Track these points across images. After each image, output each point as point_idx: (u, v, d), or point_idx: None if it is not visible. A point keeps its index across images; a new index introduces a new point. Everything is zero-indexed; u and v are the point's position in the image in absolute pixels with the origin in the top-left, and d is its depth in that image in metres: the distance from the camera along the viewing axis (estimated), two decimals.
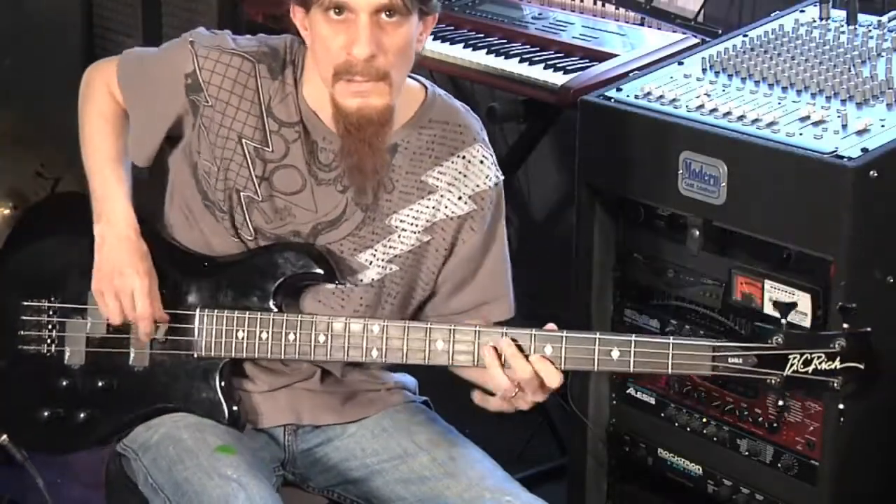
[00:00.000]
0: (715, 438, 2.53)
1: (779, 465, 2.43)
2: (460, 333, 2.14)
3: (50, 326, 2.30)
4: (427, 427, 2.32)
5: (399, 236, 2.26)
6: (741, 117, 2.41)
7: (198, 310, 2.24)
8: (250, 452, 2.21)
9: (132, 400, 2.28)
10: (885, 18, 2.67)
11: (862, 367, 1.97)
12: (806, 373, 1.99)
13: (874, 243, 2.27)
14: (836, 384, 1.98)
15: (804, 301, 2.32)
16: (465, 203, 2.28)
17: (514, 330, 2.11)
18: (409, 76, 2.26)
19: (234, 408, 2.25)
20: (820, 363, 1.98)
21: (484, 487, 2.18)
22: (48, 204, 2.31)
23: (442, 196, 2.27)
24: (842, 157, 2.23)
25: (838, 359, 1.98)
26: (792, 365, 1.99)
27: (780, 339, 2.00)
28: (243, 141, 2.23)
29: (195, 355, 2.24)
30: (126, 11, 4.27)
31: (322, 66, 2.15)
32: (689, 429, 2.57)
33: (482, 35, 3.30)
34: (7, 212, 4.00)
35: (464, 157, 2.28)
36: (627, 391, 2.68)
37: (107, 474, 2.33)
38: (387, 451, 2.29)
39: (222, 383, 2.25)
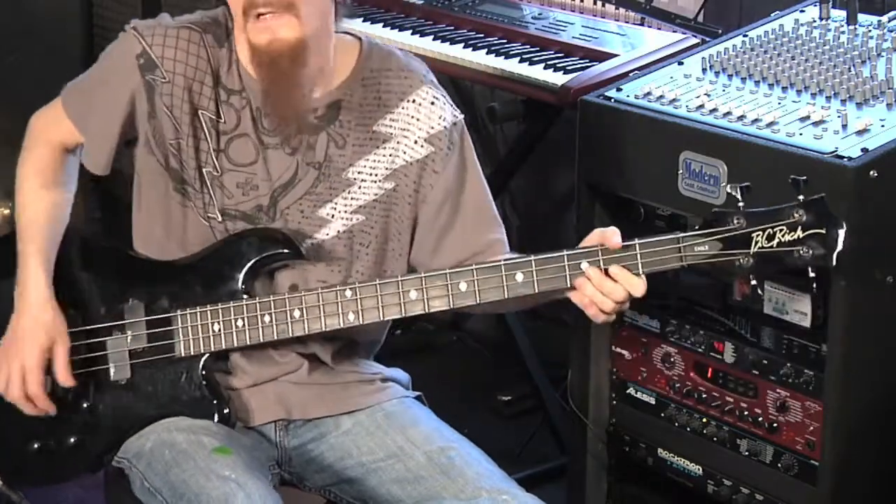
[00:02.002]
0: (715, 438, 2.53)
1: (779, 465, 2.43)
2: (431, 279, 2.15)
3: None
4: (422, 423, 2.32)
5: (360, 187, 2.28)
6: (741, 117, 2.41)
7: (178, 311, 2.24)
8: (246, 452, 2.21)
9: (120, 415, 2.28)
10: (885, 18, 2.67)
11: (823, 231, 2.02)
12: (771, 247, 2.04)
13: (874, 243, 2.27)
14: (802, 252, 2.02)
15: (804, 301, 2.32)
16: (422, 146, 2.29)
17: (482, 265, 2.13)
18: (346, 32, 2.29)
19: (223, 403, 2.25)
20: (783, 235, 2.03)
21: (481, 487, 2.18)
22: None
23: (398, 143, 2.28)
24: (842, 157, 2.23)
25: (799, 228, 2.03)
26: (756, 242, 2.04)
27: (740, 220, 2.05)
28: (200, 112, 2.25)
29: (176, 357, 2.25)
30: (126, 11, 4.26)
31: (234, 10, 2.17)
32: (689, 429, 2.57)
33: (482, 35, 3.30)
34: (7, 212, 4.00)
35: (413, 101, 2.29)
36: (627, 391, 2.68)
37: (105, 476, 2.33)
38: (382, 448, 2.29)
39: (206, 380, 2.25)
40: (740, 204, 2.07)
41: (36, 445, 2.31)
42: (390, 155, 2.29)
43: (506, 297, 2.14)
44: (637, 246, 2.09)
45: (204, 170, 2.26)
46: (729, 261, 2.06)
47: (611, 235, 2.11)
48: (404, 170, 2.29)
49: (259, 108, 2.25)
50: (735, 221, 2.05)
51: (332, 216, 2.28)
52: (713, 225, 2.06)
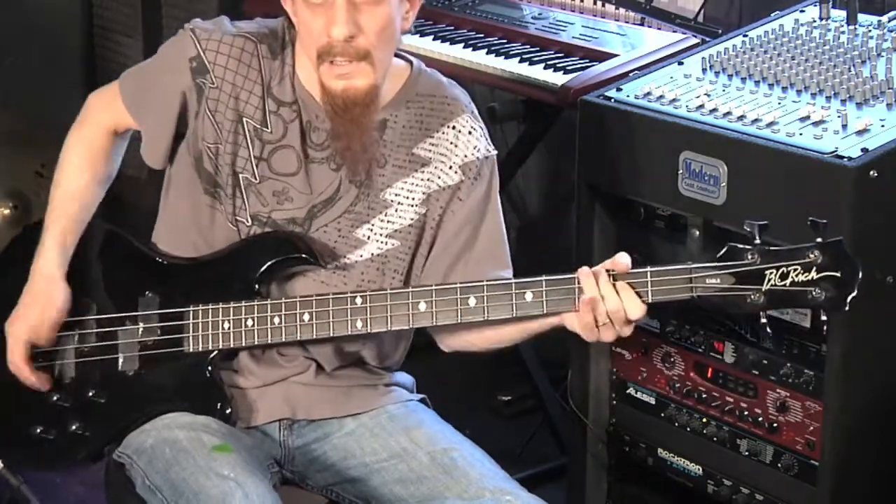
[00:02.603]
0: (715, 438, 2.53)
1: (779, 465, 2.43)
2: (441, 292, 2.15)
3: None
4: (426, 425, 2.32)
5: (396, 210, 2.29)
6: (741, 117, 2.41)
7: (191, 306, 2.25)
8: (246, 450, 2.21)
9: (124, 406, 2.29)
10: (885, 18, 2.67)
11: (838, 274, 2.00)
12: (784, 286, 2.01)
13: (874, 243, 2.27)
14: (815, 294, 2.00)
15: None
16: (455, 173, 2.30)
17: (492, 282, 2.14)
18: (399, 54, 2.31)
19: (226, 402, 2.26)
20: (797, 275, 2.01)
21: (483, 487, 2.18)
22: (30, 231, 2.36)
23: (435, 167, 2.30)
24: (842, 157, 2.23)
25: (814, 269, 2.00)
26: (770, 280, 2.02)
27: (755, 256, 2.02)
28: (244, 120, 2.26)
29: (185, 351, 2.25)
30: (126, 11, 4.27)
31: (307, 49, 2.20)
32: (689, 429, 2.57)
33: (482, 35, 3.30)
34: (7, 212, 4.00)
35: (453, 128, 2.31)
36: (627, 391, 2.68)
37: (106, 474, 2.33)
38: (385, 449, 2.29)
39: (212, 378, 2.25)
40: (757, 241, 2.04)
41: (38, 430, 2.32)
42: (427, 179, 2.30)
43: (514, 314, 2.13)
44: (648, 273, 2.08)
45: (241, 175, 2.27)
46: (740, 296, 2.03)
47: (620, 258, 2.11)
48: (437, 195, 2.30)
49: (310, 121, 2.26)
50: (749, 257, 2.03)
51: (368, 238, 2.28)
52: (727, 259, 2.04)
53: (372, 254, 2.28)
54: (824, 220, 2.04)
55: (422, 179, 2.29)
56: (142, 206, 2.34)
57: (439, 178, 2.30)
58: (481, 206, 2.33)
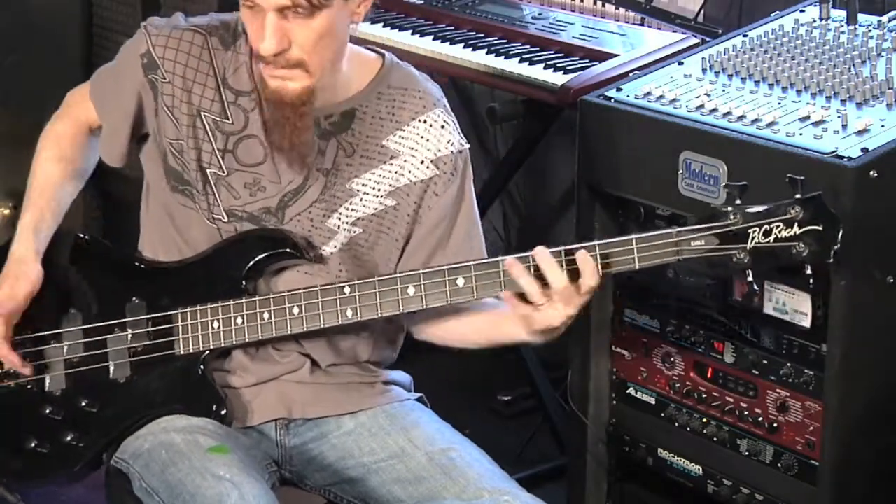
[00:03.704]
0: (715, 438, 2.53)
1: (779, 465, 2.43)
2: (429, 275, 2.16)
3: (26, 359, 2.30)
4: (424, 425, 2.32)
5: (361, 199, 2.29)
6: (741, 117, 2.41)
7: (179, 309, 2.25)
8: (243, 451, 2.21)
9: (118, 413, 2.29)
10: (885, 18, 2.67)
11: (820, 228, 2.03)
12: (768, 242, 2.04)
13: (874, 243, 2.27)
14: (799, 248, 2.03)
15: (804, 301, 2.32)
16: (427, 167, 2.30)
17: (482, 261, 2.15)
18: (368, 47, 2.32)
19: (221, 402, 2.26)
20: (780, 231, 2.04)
21: (482, 487, 2.18)
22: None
23: (405, 161, 2.29)
24: (842, 157, 2.23)
25: (796, 224, 2.03)
26: (753, 238, 2.05)
27: (737, 216, 2.05)
28: (202, 114, 2.27)
29: (176, 354, 2.25)
30: (126, 11, 4.27)
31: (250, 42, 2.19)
32: (689, 429, 2.57)
33: (482, 35, 3.30)
34: (7, 212, 4.00)
35: (424, 122, 2.30)
36: (627, 391, 2.68)
37: (107, 476, 2.33)
38: (384, 449, 2.29)
39: (205, 379, 2.25)
40: (737, 201, 2.07)
41: (32, 444, 2.32)
42: (395, 172, 2.29)
43: (503, 290, 2.13)
44: (634, 240, 2.10)
45: (208, 171, 2.27)
46: (725, 256, 2.06)
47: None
48: (407, 189, 2.30)
49: None
50: (732, 217, 2.06)
51: (338, 227, 2.29)
52: (710, 220, 2.07)
53: (342, 243, 2.29)
54: (801, 177, 2.06)
55: (389, 172, 2.29)
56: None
57: (409, 171, 2.29)
58: (457, 201, 2.32)
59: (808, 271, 2.06)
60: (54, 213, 2.36)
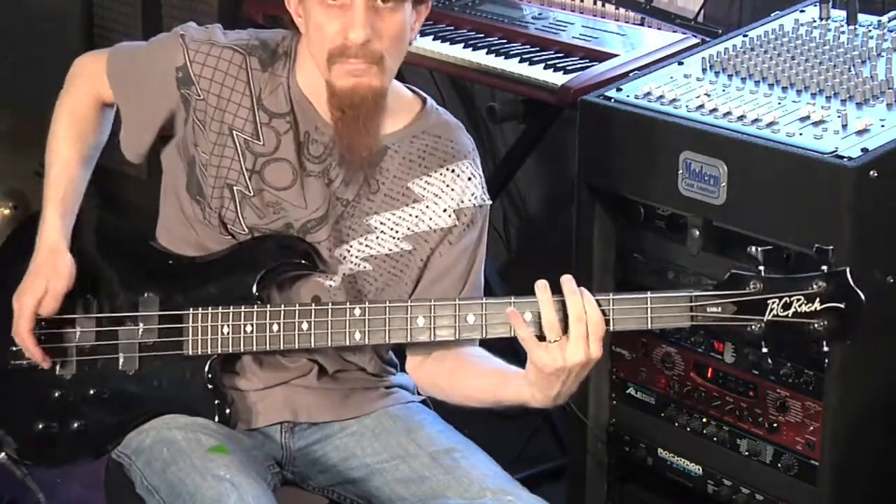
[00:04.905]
0: (715, 438, 2.53)
1: (779, 465, 2.43)
2: (441, 308, 2.14)
3: (41, 338, 2.30)
4: (427, 426, 2.32)
5: (377, 238, 2.28)
6: (741, 117, 2.41)
7: (190, 309, 2.25)
8: (244, 452, 2.21)
9: (124, 405, 2.29)
10: (885, 18, 2.67)
11: (842, 306, 1.95)
12: (787, 316, 1.96)
13: (874, 243, 2.27)
14: (817, 326, 1.95)
15: None
16: (449, 216, 2.29)
17: (492, 300, 2.12)
18: (409, 87, 2.32)
19: (225, 405, 2.25)
20: (800, 305, 1.95)
21: (485, 487, 2.18)
22: (32, 222, 2.36)
23: (427, 207, 2.28)
24: (842, 157, 2.24)
25: (818, 300, 1.94)
26: (772, 310, 1.96)
27: (757, 285, 1.97)
28: (234, 133, 2.25)
29: (185, 354, 2.25)
30: (126, 11, 4.28)
31: (317, 50, 2.18)
32: (689, 429, 2.57)
33: (482, 35, 3.30)
34: (7, 212, 4.01)
35: (452, 171, 2.29)
36: (627, 391, 2.68)
37: (106, 474, 2.33)
38: (387, 450, 2.29)
39: (212, 381, 2.25)
40: (760, 267, 2.00)
41: (41, 426, 2.32)
42: (416, 217, 2.28)
43: (511, 334, 2.10)
44: (648, 300, 2.03)
45: (234, 188, 2.25)
46: (741, 326, 1.99)
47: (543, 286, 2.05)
48: (426, 235, 2.29)
49: (308, 132, 2.25)
50: (752, 286, 1.97)
51: (344, 258, 2.27)
52: (729, 287, 1.99)
53: (343, 274, 2.28)
54: (830, 247, 2.00)
55: (410, 215, 2.28)
56: (143, 206, 2.33)
57: (430, 218, 2.29)
58: (471, 253, 2.32)
59: (825, 349, 1.98)
60: (76, 196, 2.34)
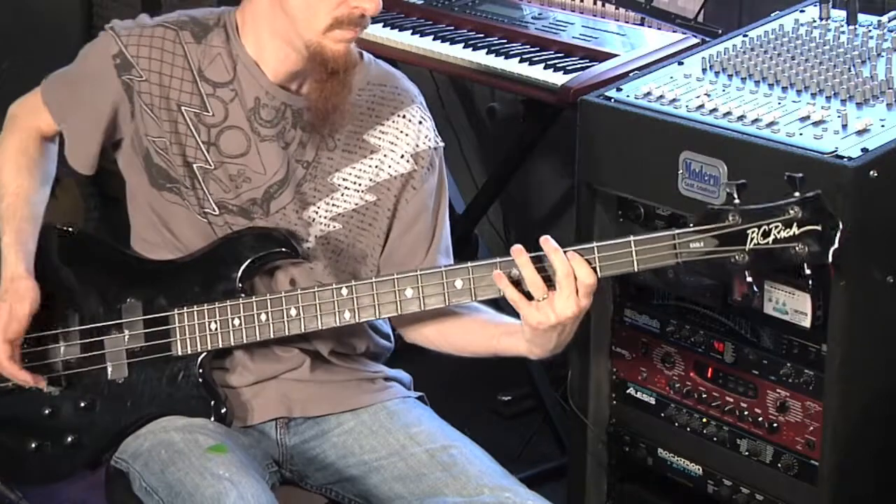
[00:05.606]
0: (715, 438, 2.53)
1: (779, 465, 2.43)
2: (427, 277, 2.16)
3: (25, 360, 2.30)
4: (424, 422, 2.33)
5: (342, 194, 2.31)
6: (741, 117, 2.41)
7: (175, 310, 2.25)
8: (242, 450, 2.21)
9: (117, 413, 2.29)
10: (885, 18, 2.67)
11: (819, 228, 2.00)
12: (767, 243, 2.02)
13: (874, 243, 2.27)
14: (798, 249, 2.01)
15: (804, 301, 2.32)
16: (407, 161, 2.33)
17: (478, 263, 2.14)
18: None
19: (220, 403, 2.26)
20: (779, 232, 2.02)
21: (483, 484, 2.19)
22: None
23: (385, 155, 2.32)
24: (842, 157, 2.24)
25: (795, 224, 2.01)
26: (752, 239, 2.02)
27: (736, 217, 2.03)
28: (182, 108, 2.27)
29: (174, 355, 2.25)
30: (126, 11, 4.26)
31: (312, 16, 2.19)
32: (689, 429, 2.57)
33: (482, 35, 3.30)
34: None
35: (403, 117, 2.33)
36: (627, 391, 2.68)
37: (106, 475, 2.33)
38: (384, 447, 2.29)
39: (203, 379, 2.25)
40: (736, 201, 2.06)
41: (33, 445, 2.32)
42: (376, 166, 2.32)
43: (500, 294, 2.13)
44: (632, 242, 2.09)
45: (195, 165, 2.28)
46: (724, 258, 2.05)
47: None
48: (387, 183, 2.32)
49: (258, 97, 2.27)
50: (731, 218, 2.04)
51: (313, 220, 2.29)
52: (709, 222, 2.06)
53: (316, 236, 2.30)
54: (800, 174, 2.05)
55: (370, 166, 2.32)
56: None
57: (389, 166, 2.32)
58: (437, 196, 2.36)
59: (808, 271, 2.04)
60: (33, 223, 2.34)
